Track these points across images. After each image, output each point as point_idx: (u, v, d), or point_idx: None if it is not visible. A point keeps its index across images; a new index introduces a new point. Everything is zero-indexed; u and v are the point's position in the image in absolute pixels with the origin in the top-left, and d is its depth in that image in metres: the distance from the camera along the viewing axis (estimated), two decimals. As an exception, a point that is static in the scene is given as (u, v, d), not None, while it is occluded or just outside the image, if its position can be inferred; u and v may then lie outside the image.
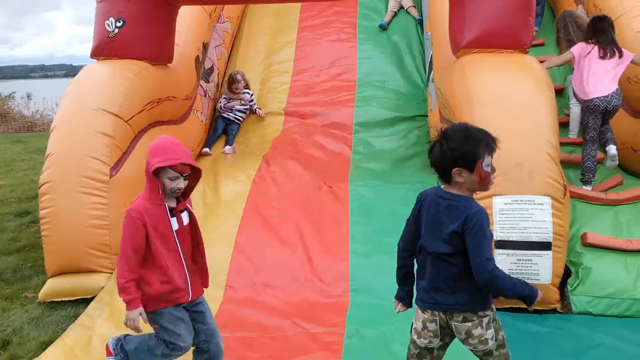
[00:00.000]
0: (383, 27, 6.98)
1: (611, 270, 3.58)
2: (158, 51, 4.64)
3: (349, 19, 7.21)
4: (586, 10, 5.61)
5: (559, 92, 5.46)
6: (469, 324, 2.12)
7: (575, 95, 4.71)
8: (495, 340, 2.15)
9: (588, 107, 4.34)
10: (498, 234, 3.27)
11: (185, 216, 2.55)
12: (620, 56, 4.32)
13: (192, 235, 2.58)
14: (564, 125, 5.12)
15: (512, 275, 2.10)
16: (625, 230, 3.84)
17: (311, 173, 4.94)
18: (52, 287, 3.80)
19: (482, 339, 2.13)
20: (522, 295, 2.07)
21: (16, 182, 6.97)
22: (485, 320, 2.13)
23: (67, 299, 3.76)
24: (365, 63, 6.63)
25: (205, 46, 5.96)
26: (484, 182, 2.13)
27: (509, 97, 3.58)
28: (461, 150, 2.06)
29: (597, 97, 4.28)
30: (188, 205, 2.58)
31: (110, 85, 4.22)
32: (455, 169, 2.08)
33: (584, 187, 4.36)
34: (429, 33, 5.92)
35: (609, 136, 4.51)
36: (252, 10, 7.44)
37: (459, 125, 2.17)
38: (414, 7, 7.17)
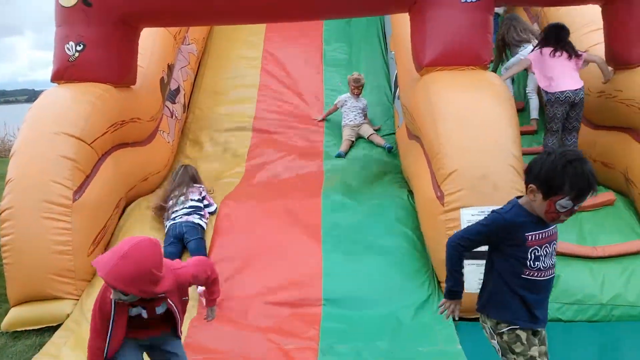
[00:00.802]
0: (341, 156, 5.81)
1: (578, 277, 3.67)
2: (120, 73, 4.59)
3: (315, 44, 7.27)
4: (540, 28, 5.85)
5: (520, 110, 5.66)
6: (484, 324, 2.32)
7: (539, 89, 4.85)
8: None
9: (558, 99, 4.49)
10: (466, 245, 3.30)
11: (160, 307, 2.32)
12: (578, 57, 4.58)
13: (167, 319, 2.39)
14: (525, 134, 5.29)
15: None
16: (589, 238, 3.94)
17: (284, 189, 4.93)
18: (15, 316, 3.65)
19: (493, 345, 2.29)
20: (446, 283, 2.37)
21: (-26, 210, 6.70)
22: (487, 326, 2.30)
23: (31, 327, 3.61)
24: (332, 83, 6.69)
25: (170, 67, 5.92)
26: (549, 216, 2.13)
27: (471, 112, 3.67)
28: (552, 175, 2.03)
29: (568, 90, 4.47)
30: (169, 300, 2.31)
31: (71, 108, 4.14)
32: (532, 185, 2.11)
33: None
34: (393, 52, 6.04)
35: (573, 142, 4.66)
36: (218, 31, 7.46)
37: (576, 153, 2.12)
38: (376, 134, 6.05)
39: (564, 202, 2.06)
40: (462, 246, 2.32)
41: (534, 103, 5.75)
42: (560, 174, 2.02)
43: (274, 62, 6.98)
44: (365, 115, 6.18)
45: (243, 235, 4.22)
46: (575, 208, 2.10)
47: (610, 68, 4.53)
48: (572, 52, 4.56)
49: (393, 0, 4.35)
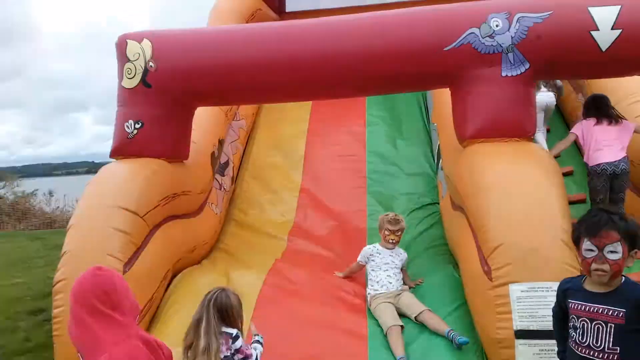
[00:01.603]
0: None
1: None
2: (174, 149, 4.85)
3: (359, 112, 7.50)
4: (585, 98, 5.83)
5: (569, 174, 5.55)
6: None
7: (586, 165, 4.73)
8: None
9: (595, 171, 4.42)
10: (517, 323, 3.17)
11: None
12: (620, 124, 4.48)
13: None
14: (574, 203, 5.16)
15: None
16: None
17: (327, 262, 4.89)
18: (61, 388, 3.68)
19: None
20: None
21: (33, 279, 7.01)
22: None
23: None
24: (374, 154, 6.81)
25: (221, 142, 6.22)
26: (585, 270, 2.27)
27: (516, 183, 3.62)
28: (574, 228, 2.31)
29: (604, 162, 4.38)
30: None
31: (127, 183, 4.36)
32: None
33: None
34: (435, 124, 6.13)
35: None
36: (267, 106, 7.83)
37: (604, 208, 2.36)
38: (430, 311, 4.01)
39: (584, 244, 2.20)
40: (553, 312, 2.52)
41: (540, 138, 5.82)
42: (578, 224, 2.26)
43: (318, 135, 7.21)
44: (403, 278, 4.31)
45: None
46: (605, 253, 2.16)
47: None
48: (613, 118, 4.49)
49: (434, 78, 4.47)
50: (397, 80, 4.51)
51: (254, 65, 4.52)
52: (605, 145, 4.42)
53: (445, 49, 4.19)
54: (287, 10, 9.49)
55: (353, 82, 4.57)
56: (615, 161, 4.38)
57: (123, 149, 4.71)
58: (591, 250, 2.20)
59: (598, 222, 2.20)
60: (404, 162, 6.69)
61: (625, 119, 4.54)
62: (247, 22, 7.71)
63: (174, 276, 4.72)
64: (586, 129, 4.57)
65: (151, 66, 4.64)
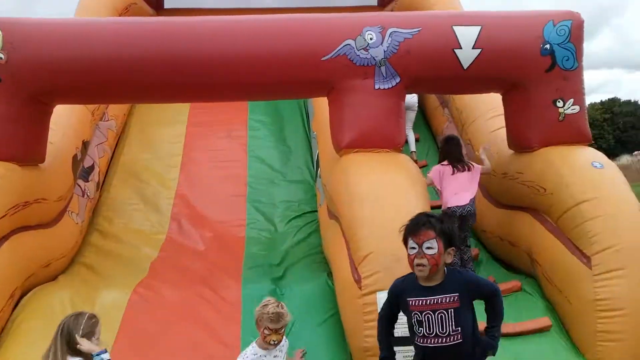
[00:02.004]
0: None
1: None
2: (27, 151, 4.34)
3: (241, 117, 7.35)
4: (450, 112, 6.30)
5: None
6: None
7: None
8: None
9: (446, 213, 4.61)
10: (385, 330, 3.25)
11: None
12: (470, 170, 4.83)
13: None
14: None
15: None
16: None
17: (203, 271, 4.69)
18: None
19: None
20: None
21: None
22: None
23: None
24: (256, 160, 6.71)
25: (85, 144, 5.70)
26: (409, 262, 2.65)
27: (386, 193, 3.76)
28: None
29: (454, 206, 4.70)
30: None
31: (-33, 189, 3.82)
32: None
33: None
34: (315, 132, 6.19)
35: (468, 259, 4.78)
36: (140, 107, 7.36)
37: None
38: None
39: (409, 243, 2.62)
40: (380, 316, 2.84)
41: (410, 138, 6.64)
42: (405, 227, 2.72)
43: (198, 140, 6.93)
44: None
45: None
46: (423, 249, 2.57)
47: (488, 164, 4.92)
48: (466, 165, 4.84)
49: (312, 86, 4.49)
50: (275, 87, 4.47)
51: (122, 62, 4.19)
52: (457, 192, 4.75)
53: (323, 58, 4.23)
54: (165, 7, 9.04)
55: (230, 86, 4.44)
56: (463, 204, 4.70)
57: (-36, 150, 4.12)
58: (413, 247, 2.59)
59: (417, 223, 2.63)
60: (285, 169, 6.68)
61: (473, 165, 4.93)
62: (119, 16, 7.19)
63: (23, 295, 4.21)
64: (443, 176, 4.85)
65: (1, 58, 4.11)
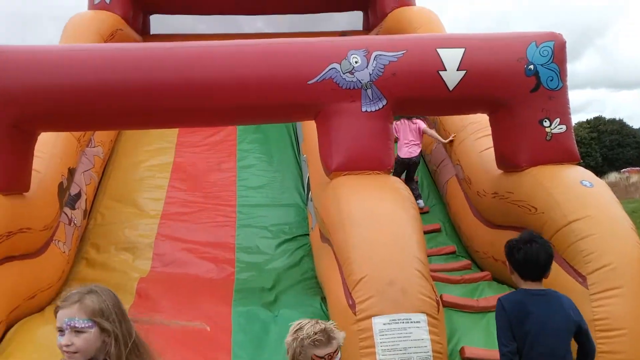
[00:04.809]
0: None
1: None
2: (10, 180, 4.25)
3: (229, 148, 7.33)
4: (438, 133, 6.39)
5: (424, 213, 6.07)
6: None
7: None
8: None
9: (396, 162, 5.56)
10: (380, 356, 3.19)
11: None
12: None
13: None
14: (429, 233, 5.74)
15: None
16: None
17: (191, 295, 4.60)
18: None
19: None
20: None
21: None
22: None
23: None
24: (246, 186, 6.67)
25: (71, 171, 5.62)
26: None
27: (378, 216, 3.72)
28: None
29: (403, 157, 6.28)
30: None
31: (-52, 220, 3.73)
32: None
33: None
34: (305, 155, 6.18)
35: (415, 194, 6.16)
36: (127, 133, 7.32)
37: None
38: None
39: None
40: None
41: None
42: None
43: (185, 165, 6.89)
44: None
45: None
46: None
47: (438, 136, 6.36)
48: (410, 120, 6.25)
49: (299, 110, 4.50)
50: (262, 111, 4.46)
51: (106, 88, 4.17)
52: (405, 144, 6.30)
53: (309, 82, 4.24)
54: (151, 33, 9.09)
55: (217, 111, 4.43)
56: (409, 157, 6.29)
57: (-54, 181, 4.04)
58: None
59: None
60: (275, 193, 6.64)
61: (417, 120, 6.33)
62: (105, 42, 7.19)
63: (8, 328, 4.08)
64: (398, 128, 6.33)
65: (-20, 86, 4.06)
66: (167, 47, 4.42)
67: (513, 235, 4.61)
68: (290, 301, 4.64)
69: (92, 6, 7.89)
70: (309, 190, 5.91)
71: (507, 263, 2.92)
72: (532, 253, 2.70)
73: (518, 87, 4.42)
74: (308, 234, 5.93)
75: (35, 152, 4.59)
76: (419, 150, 6.40)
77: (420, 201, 6.30)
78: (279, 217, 6.27)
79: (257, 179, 6.81)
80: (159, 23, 9.19)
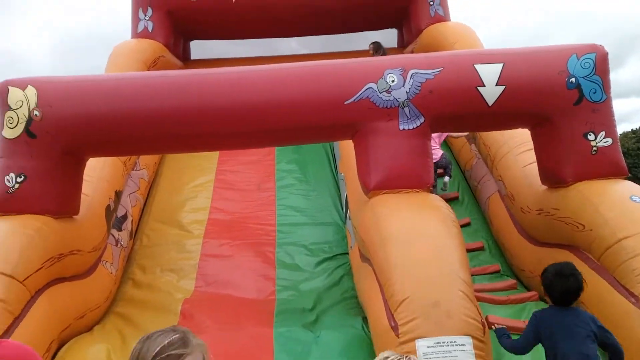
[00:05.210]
0: None
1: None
2: (62, 204, 4.45)
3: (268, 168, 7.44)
4: (478, 149, 6.24)
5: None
6: None
7: None
8: None
9: None
10: (425, 380, 3.14)
11: None
12: None
13: None
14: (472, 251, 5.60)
15: None
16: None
17: (233, 315, 4.65)
18: None
19: None
20: None
21: None
22: None
23: None
24: (285, 205, 6.73)
25: (118, 194, 5.82)
26: None
27: (419, 236, 3.69)
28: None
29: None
30: None
31: (5, 243, 3.92)
32: None
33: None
34: (343, 174, 6.20)
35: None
36: (171, 156, 7.53)
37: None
38: None
39: None
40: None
41: None
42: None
43: (226, 186, 7.02)
44: None
45: None
46: None
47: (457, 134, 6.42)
48: None
49: (337, 130, 4.53)
50: (300, 132, 4.53)
51: (150, 115, 4.33)
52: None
53: (346, 102, 4.28)
54: (192, 58, 9.37)
55: (256, 133, 4.52)
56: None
57: (3, 205, 4.28)
58: None
59: None
60: (313, 212, 6.67)
61: None
62: (148, 69, 7.47)
63: (60, 347, 4.22)
64: None
65: (36, 115, 4.30)
66: (208, 74, 4.56)
67: (560, 253, 4.54)
68: (331, 322, 4.62)
69: (136, 34, 8.22)
70: (346, 208, 5.91)
71: (542, 287, 3.39)
72: (569, 287, 3.17)
73: (560, 101, 4.33)
74: (347, 253, 5.91)
75: (84, 177, 4.79)
76: (440, 153, 6.44)
77: (447, 177, 6.50)
78: (318, 236, 6.29)
79: (295, 198, 6.87)
80: (197, 47, 9.48)
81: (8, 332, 3.57)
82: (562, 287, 3.16)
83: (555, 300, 3.27)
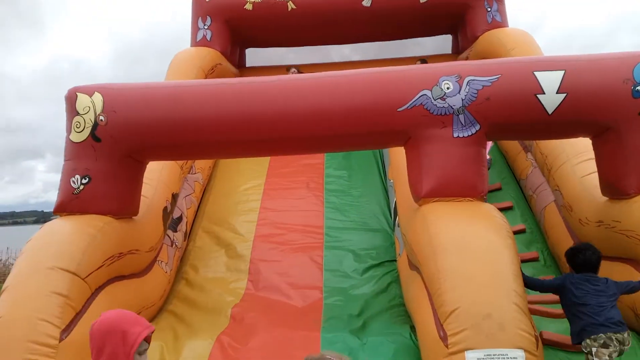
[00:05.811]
0: None
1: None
2: (123, 206, 4.65)
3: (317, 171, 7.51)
4: (534, 157, 6.03)
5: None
6: None
7: None
8: None
9: None
10: (474, 393, 3.07)
11: None
12: None
13: None
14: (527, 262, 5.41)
15: None
16: None
17: (282, 319, 4.69)
18: None
19: None
20: None
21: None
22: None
23: None
24: (333, 209, 6.76)
25: (174, 197, 6.04)
26: None
27: (471, 245, 3.61)
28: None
29: None
30: None
31: (69, 241, 4.13)
32: None
33: None
34: (392, 180, 6.16)
35: None
36: (223, 160, 7.73)
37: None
38: None
39: None
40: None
41: None
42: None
43: (276, 191, 7.13)
44: None
45: None
46: None
47: None
48: None
49: (389, 137, 4.51)
50: (352, 139, 4.53)
51: (207, 121, 4.45)
52: None
53: (399, 109, 4.26)
54: (247, 66, 9.59)
55: (309, 139, 4.56)
56: None
57: (68, 205, 4.50)
58: None
59: None
60: (362, 218, 6.66)
61: None
62: (206, 76, 7.72)
63: (117, 342, 4.42)
64: None
65: (101, 120, 4.51)
66: (264, 82, 4.63)
67: (620, 267, 4.34)
68: (379, 329, 4.60)
69: (195, 43, 8.52)
70: (395, 215, 5.87)
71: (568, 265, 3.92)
72: (588, 258, 3.75)
73: (624, 110, 4.14)
74: (395, 260, 5.87)
75: (144, 179, 4.99)
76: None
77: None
78: (365, 242, 6.28)
79: (344, 203, 6.88)
80: (252, 54, 9.70)
81: (70, 326, 3.76)
82: (581, 259, 3.76)
83: (578, 270, 3.79)
